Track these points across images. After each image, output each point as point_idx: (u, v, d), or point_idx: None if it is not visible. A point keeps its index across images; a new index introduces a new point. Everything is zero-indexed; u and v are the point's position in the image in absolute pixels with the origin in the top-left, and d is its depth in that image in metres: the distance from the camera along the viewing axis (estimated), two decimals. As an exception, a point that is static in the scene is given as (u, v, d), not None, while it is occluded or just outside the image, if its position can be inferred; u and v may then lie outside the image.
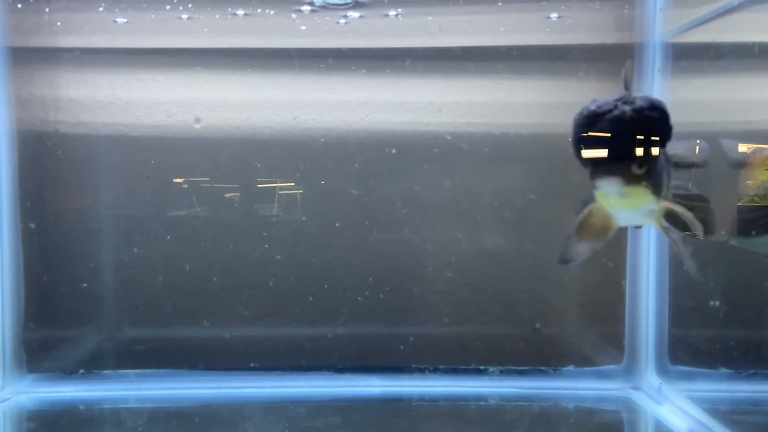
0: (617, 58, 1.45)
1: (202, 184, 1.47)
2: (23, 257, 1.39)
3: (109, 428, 1.20)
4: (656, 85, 1.37)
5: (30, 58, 1.42)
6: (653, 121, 0.72)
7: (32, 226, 1.42)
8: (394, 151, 1.46)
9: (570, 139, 0.82)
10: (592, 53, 1.48)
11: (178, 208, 1.47)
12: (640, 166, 0.71)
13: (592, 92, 1.59)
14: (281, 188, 1.49)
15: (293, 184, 1.49)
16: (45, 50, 1.43)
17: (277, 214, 1.47)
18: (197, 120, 1.44)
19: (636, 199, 0.74)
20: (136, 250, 1.44)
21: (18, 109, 1.41)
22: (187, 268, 1.42)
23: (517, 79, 1.50)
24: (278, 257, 1.45)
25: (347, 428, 1.15)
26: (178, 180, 1.47)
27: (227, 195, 1.48)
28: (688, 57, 1.34)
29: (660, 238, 1.39)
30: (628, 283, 1.41)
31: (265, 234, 1.45)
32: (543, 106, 1.50)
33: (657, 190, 0.74)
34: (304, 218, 1.46)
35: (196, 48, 1.45)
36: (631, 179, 0.71)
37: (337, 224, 1.46)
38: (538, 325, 1.43)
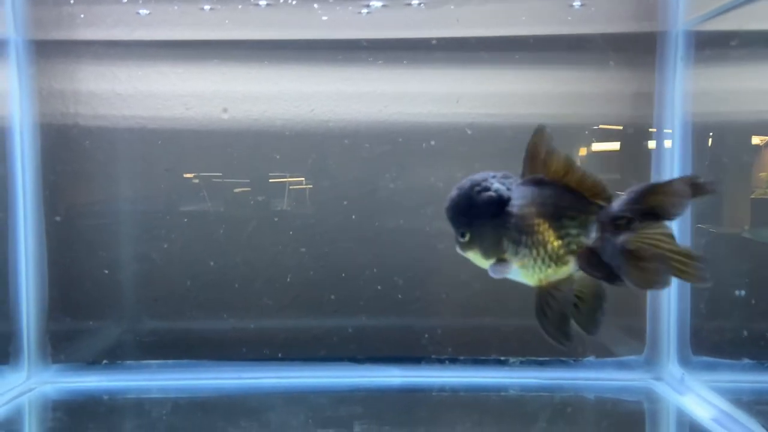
0: (639, 47, 1.44)
1: (221, 177, 1.48)
2: (47, 249, 1.41)
3: (134, 418, 1.21)
4: (678, 74, 1.36)
5: (50, 51, 1.43)
6: (469, 202, 0.87)
7: (57, 219, 1.44)
8: (411, 142, 1.46)
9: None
10: (613, 42, 1.47)
11: (198, 201, 1.48)
12: (463, 235, 0.88)
13: (612, 82, 1.60)
14: (298, 181, 1.49)
15: (310, 176, 1.49)
16: (65, 43, 1.43)
17: (296, 206, 1.48)
18: (225, 110, 1.44)
19: (476, 260, 0.90)
20: (156, 241, 1.45)
21: (39, 103, 1.42)
22: (208, 260, 1.43)
23: (536, 69, 1.49)
24: (298, 249, 1.45)
25: (369, 418, 1.16)
26: (197, 172, 1.48)
27: (246, 188, 1.49)
28: (712, 46, 1.33)
29: (682, 229, 1.38)
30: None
31: (283, 226, 1.46)
32: (561, 97, 1.49)
33: (486, 253, 0.89)
34: (322, 210, 1.47)
35: (217, 40, 1.45)
36: (461, 245, 0.89)
37: (353, 216, 1.46)
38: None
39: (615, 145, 1.51)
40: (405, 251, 1.45)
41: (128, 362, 1.41)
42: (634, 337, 1.41)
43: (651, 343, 1.39)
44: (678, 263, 0.83)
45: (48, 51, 1.42)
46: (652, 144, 1.46)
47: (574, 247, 0.89)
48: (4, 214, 1.36)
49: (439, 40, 1.45)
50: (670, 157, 1.39)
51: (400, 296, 1.44)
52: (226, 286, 1.43)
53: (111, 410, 1.28)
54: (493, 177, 0.89)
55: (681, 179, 0.87)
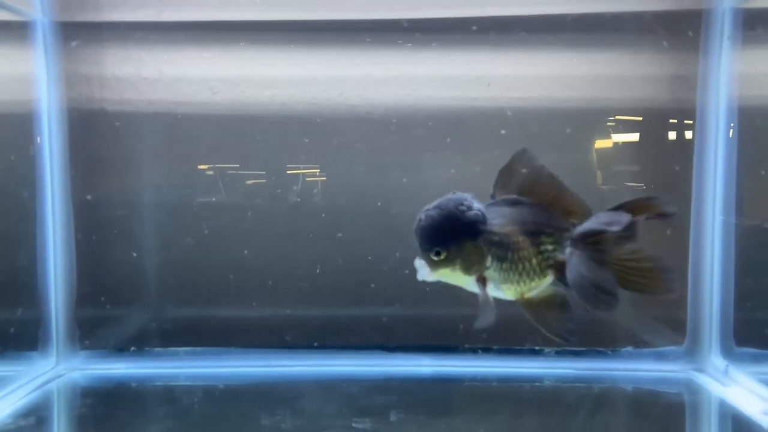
0: (681, 26, 1.39)
1: (249, 163, 1.45)
2: (75, 235, 1.39)
3: (165, 406, 1.19)
4: (724, 55, 1.30)
5: (75, 33, 1.41)
6: (436, 222, 0.91)
7: (88, 197, 1.41)
8: (440, 126, 1.42)
9: None
10: (652, 22, 1.42)
11: (225, 188, 1.45)
12: (438, 254, 0.92)
13: (648, 65, 1.55)
14: (327, 168, 1.46)
15: (339, 162, 1.46)
16: (90, 25, 1.41)
17: (324, 193, 1.45)
18: (273, 96, 1.42)
19: (449, 278, 0.95)
20: (184, 228, 1.43)
21: (65, 87, 1.41)
22: (237, 248, 1.41)
23: (571, 51, 1.44)
24: (327, 236, 1.42)
25: (403, 407, 1.13)
26: (224, 159, 1.45)
27: (274, 175, 1.46)
28: (762, 24, 1.27)
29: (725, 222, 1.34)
30: (690, 261, 1.36)
31: (312, 213, 1.43)
32: (596, 80, 1.44)
33: (467, 270, 0.94)
34: (350, 197, 1.43)
35: (244, 21, 1.42)
36: (433, 264, 0.93)
37: (379, 204, 1.43)
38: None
39: (653, 132, 1.45)
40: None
41: (156, 349, 1.40)
42: (674, 327, 1.36)
43: (692, 333, 1.35)
44: (641, 277, 0.93)
45: (73, 34, 1.40)
46: (689, 132, 1.41)
47: (551, 261, 0.97)
48: (32, 201, 1.35)
49: (470, 20, 1.41)
50: (714, 145, 1.34)
51: (431, 285, 1.40)
52: (257, 274, 1.40)
53: (141, 397, 1.27)
54: (470, 197, 0.95)
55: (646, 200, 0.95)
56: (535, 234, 0.96)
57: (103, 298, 1.41)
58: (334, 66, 1.44)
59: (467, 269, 0.93)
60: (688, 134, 1.39)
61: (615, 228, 0.92)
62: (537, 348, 1.35)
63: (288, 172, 1.45)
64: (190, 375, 1.34)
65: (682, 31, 1.39)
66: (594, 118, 1.44)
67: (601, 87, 1.44)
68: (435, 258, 0.92)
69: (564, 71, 1.45)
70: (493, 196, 1.00)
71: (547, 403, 1.22)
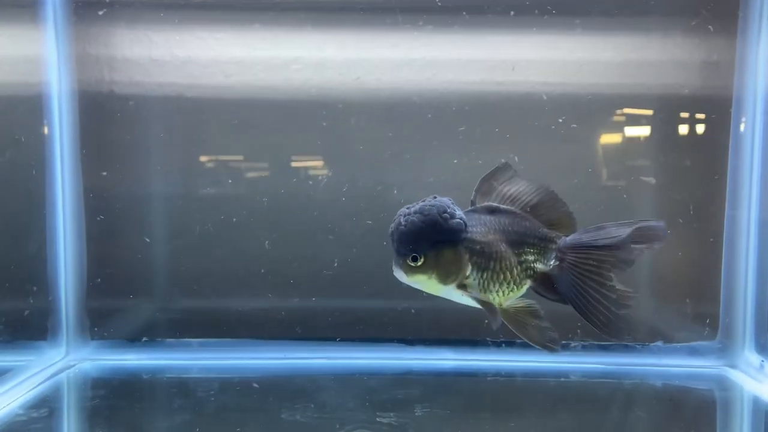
0: (713, 8, 1.33)
1: (262, 149, 1.40)
2: (85, 223, 1.35)
3: (181, 398, 1.14)
4: (764, 38, 1.24)
5: (84, 13, 1.35)
6: (418, 228, 0.90)
7: (98, 183, 1.37)
8: (464, 110, 1.37)
9: None
10: (683, 3, 1.36)
11: (238, 174, 1.41)
12: (415, 260, 0.90)
13: (677, 50, 1.49)
14: (343, 154, 1.41)
15: (355, 148, 1.41)
16: (99, 4, 1.35)
17: (340, 181, 1.40)
18: (288, 79, 1.36)
19: (425, 284, 0.94)
20: (196, 217, 1.38)
21: (75, 69, 1.36)
22: (251, 237, 1.36)
23: (597, 35, 1.39)
24: (344, 225, 1.38)
25: (428, 402, 1.09)
26: (237, 144, 1.40)
27: (288, 160, 1.41)
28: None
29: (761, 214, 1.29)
30: (724, 255, 1.31)
31: (328, 202, 1.38)
32: (623, 65, 1.39)
33: (446, 278, 0.92)
34: (366, 185, 1.39)
35: (258, 1, 1.36)
36: (409, 270, 0.91)
37: (395, 191, 1.38)
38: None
39: (683, 122, 1.39)
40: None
41: (168, 340, 1.36)
42: (706, 322, 1.32)
43: (725, 328, 1.31)
44: (601, 315, 0.94)
45: (82, 14, 1.35)
46: (724, 122, 1.36)
47: (531, 272, 0.97)
48: (42, 186, 1.30)
49: (494, 1, 1.35)
50: (751, 136, 1.29)
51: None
52: (274, 264, 1.36)
53: (154, 389, 1.23)
54: (452, 203, 0.94)
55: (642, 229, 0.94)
56: (517, 244, 0.96)
57: (114, 287, 1.37)
58: (352, 48, 1.39)
59: (444, 278, 0.92)
60: (723, 124, 1.34)
61: (606, 242, 0.93)
62: (563, 342, 1.31)
63: (304, 159, 1.41)
64: (204, 367, 1.31)
65: (717, 13, 1.33)
66: (620, 105, 1.39)
67: (629, 73, 1.39)
68: (412, 264, 0.91)
69: (590, 56, 1.39)
70: (473, 203, 1.00)
71: (573, 399, 1.18)
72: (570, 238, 0.98)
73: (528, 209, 0.99)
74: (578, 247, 0.96)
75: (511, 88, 1.39)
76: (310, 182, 1.40)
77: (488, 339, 1.32)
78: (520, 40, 1.40)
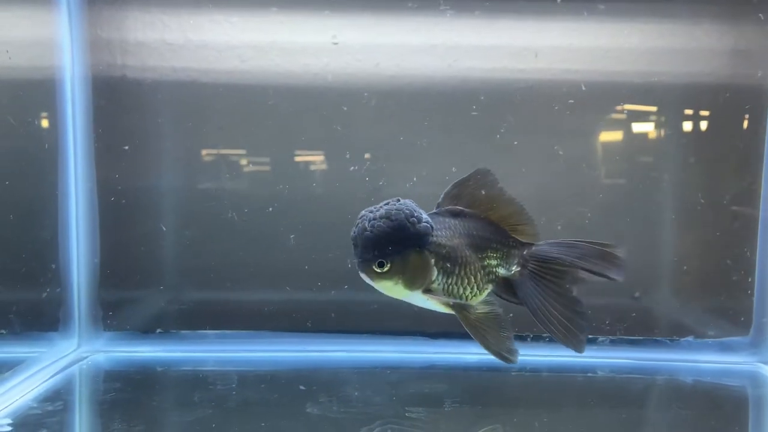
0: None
1: (279, 136, 1.36)
2: (98, 211, 1.31)
3: (198, 392, 1.10)
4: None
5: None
6: (385, 233, 0.89)
7: (111, 170, 1.33)
8: (483, 99, 1.33)
9: None
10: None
11: (254, 161, 1.37)
12: (381, 266, 0.89)
13: (705, 36, 1.45)
14: (362, 141, 1.37)
15: (376, 136, 1.37)
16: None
17: (358, 170, 1.36)
18: (305, 65, 1.32)
19: (391, 290, 0.92)
20: (211, 205, 1.35)
21: (89, 53, 1.31)
22: (268, 227, 1.33)
23: (622, 21, 1.35)
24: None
25: (456, 397, 1.06)
26: (252, 131, 1.36)
27: (306, 148, 1.37)
28: None
29: None
30: (759, 247, 1.28)
31: (343, 189, 1.34)
32: (649, 52, 1.35)
33: (412, 283, 0.91)
34: (389, 173, 1.35)
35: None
36: (375, 275, 0.90)
37: (414, 179, 1.34)
38: (637, 294, 1.31)
39: (713, 111, 1.35)
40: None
41: (183, 332, 1.32)
42: (738, 317, 1.29)
43: (758, 323, 1.28)
44: (560, 324, 0.95)
45: (96, -6, 1.31)
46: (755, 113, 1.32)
47: (493, 276, 0.98)
48: (54, 172, 1.26)
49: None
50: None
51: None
52: (292, 255, 1.32)
53: (171, 383, 1.20)
54: (416, 206, 0.93)
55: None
56: (480, 248, 0.97)
57: (127, 277, 1.33)
58: (371, 33, 1.35)
59: (411, 283, 0.91)
60: (755, 114, 1.30)
61: (571, 260, 0.95)
62: (591, 336, 1.28)
63: (322, 147, 1.37)
64: (220, 359, 1.27)
65: (742, 1, 1.30)
66: (646, 94, 1.35)
67: (654, 60, 1.35)
68: (378, 270, 0.89)
69: (615, 42, 1.35)
70: (439, 205, 1.00)
71: (600, 395, 1.14)
72: (536, 248, 0.99)
73: (492, 214, 0.99)
74: (544, 259, 0.98)
75: (534, 75, 1.36)
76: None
77: (515, 333, 1.28)
78: (543, 25, 1.36)
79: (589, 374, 1.21)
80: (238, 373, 1.19)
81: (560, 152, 1.36)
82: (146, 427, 0.94)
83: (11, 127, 1.19)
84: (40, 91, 1.26)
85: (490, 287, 0.99)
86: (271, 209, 1.33)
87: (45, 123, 1.26)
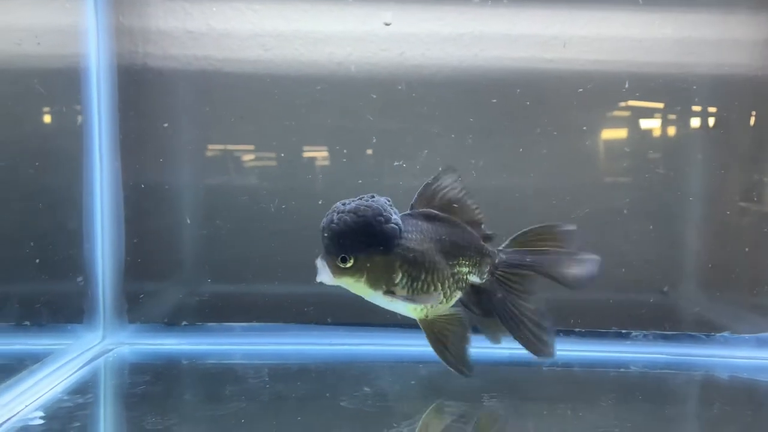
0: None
1: (302, 126, 1.34)
2: (123, 201, 1.29)
3: (229, 385, 1.07)
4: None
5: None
6: (350, 228, 0.87)
7: (134, 159, 1.31)
8: (511, 89, 1.30)
9: None
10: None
11: (278, 152, 1.35)
12: (344, 261, 0.88)
13: (740, 27, 1.42)
14: (386, 132, 1.35)
15: (401, 126, 1.35)
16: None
17: (382, 159, 1.34)
18: (329, 54, 1.29)
19: (353, 287, 0.91)
20: (237, 195, 1.33)
21: (115, 41, 1.29)
22: (295, 218, 1.30)
23: (654, 10, 1.32)
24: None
25: (494, 391, 1.03)
26: (275, 121, 1.34)
27: (330, 139, 1.35)
28: None
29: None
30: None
31: (363, 183, 1.32)
32: (683, 43, 1.32)
33: (375, 283, 0.90)
34: (415, 166, 1.32)
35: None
36: (337, 270, 0.89)
37: (440, 168, 1.31)
38: (665, 288, 1.29)
39: (745, 104, 1.32)
40: (505, 212, 1.32)
41: (209, 324, 1.31)
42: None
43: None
44: (528, 332, 0.96)
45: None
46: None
47: (462, 284, 0.96)
48: (79, 164, 1.24)
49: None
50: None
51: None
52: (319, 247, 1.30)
53: (199, 376, 1.17)
54: (389, 205, 0.91)
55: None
56: (452, 255, 0.94)
57: (152, 269, 1.32)
58: (396, 22, 1.32)
59: (373, 283, 0.89)
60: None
61: (543, 268, 0.95)
62: (624, 331, 1.26)
63: (343, 140, 1.35)
64: (248, 352, 1.26)
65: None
66: (678, 85, 1.32)
67: (687, 51, 1.32)
68: (341, 265, 0.88)
69: (646, 32, 1.33)
70: (412, 207, 0.98)
71: (633, 391, 1.12)
72: (506, 256, 0.99)
73: (466, 219, 0.98)
74: (514, 266, 0.97)
75: (562, 65, 1.33)
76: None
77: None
78: (572, 15, 1.33)
79: (622, 369, 1.19)
80: (267, 366, 1.16)
81: (588, 144, 1.34)
82: (180, 421, 0.92)
83: (39, 115, 1.18)
84: (67, 80, 1.24)
85: (458, 294, 0.97)
86: (297, 200, 1.31)
87: (71, 111, 1.25)
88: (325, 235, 0.88)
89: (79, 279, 1.25)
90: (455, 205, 0.97)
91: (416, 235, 0.91)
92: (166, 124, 1.32)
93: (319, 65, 1.33)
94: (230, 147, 1.35)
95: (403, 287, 0.90)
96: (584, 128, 1.34)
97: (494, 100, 1.32)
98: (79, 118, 1.25)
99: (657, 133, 1.36)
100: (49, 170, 1.17)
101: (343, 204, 0.90)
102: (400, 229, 0.89)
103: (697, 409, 1.10)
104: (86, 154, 1.25)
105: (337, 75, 1.33)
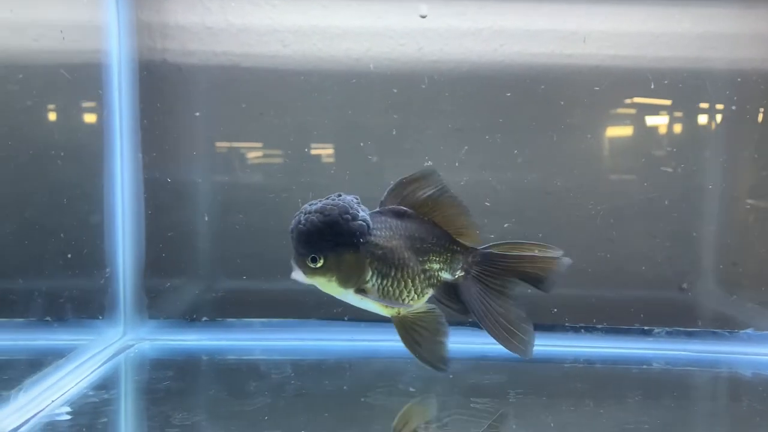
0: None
1: (320, 122, 1.34)
2: (144, 198, 1.29)
3: (252, 381, 1.07)
4: None
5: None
6: (317, 228, 0.87)
7: (154, 155, 1.31)
8: (532, 84, 1.30)
9: None
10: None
11: (297, 147, 1.34)
12: (314, 261, 0.88)
13: (760, 21, 1.41)
14: (403, 129, 1.34)
15: (418, 123, 1.34)
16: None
17: (400, 155, 1.34)
18: (347, 49, 1.29)
19: (324, 286, 0.91)
20: (258, 190, 1.33)
21: (136, 37, 1.29)
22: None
23: (673, 4, 1.32)
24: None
25: (520, 387, 1.03)
26: (294, 117, 1.34)
27: (348, 135, 1.35)
28: None
29: None
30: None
31: (381, 178, 1.32)
32: (701, 37, 1.32)
33: (345, 282, 0.90)
34: (431, 162, 1.32)
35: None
36: (308, 270, 0.89)
37: (457, 165, 1.31)
38: (685, 285, 1.29)
39: (762, 102, 1.31)
40: (528, 210, 1.31)
41: (229, 320, 1.31)
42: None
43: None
44: (503, 331, 0.95)
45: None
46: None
47: (434, 281, 0.96)
48: (100, 160, 1.24)
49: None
50: None
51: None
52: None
53: (224, 371, 1.18)
54: (357, 203, 0.91)
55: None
56: (422, 251, 0.95)
57: (172, 265, 1.32)
58: (414, 17, 1.32)
59: (344, 281, 0.90)
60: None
61: (517, 265, 0.95)
62: (646, 328, 1.26)
63: (361, 136, 1.34)
64: (267, 348, 1.26)
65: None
66: (697, 80, 1.32)
67: (706, 46, 1.31)
68: (311, 265, 0.88)
69: (665, 27, 1.32)
70: (382, 204, 0.97)
71: (654, 388, 1.11)
72: (481, 253, 0.98)
73: (437, 216, 0.97)
74: (488, 264, 0.96)
75: (583, 60, 1.33)
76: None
77: (567, 324, 1.27)
78: (591, 9, 1.32)
79: (644, 366, 1.18)
80: (289, 362, 1.16)
81: (608, 140, 1.33)
82: (208, 417, 0.93)
83: (63, 110, 1.18)
84: (90, 75, 1.23)
85: (431, 291, 0.97)
86: (317, 195, 1.30)
87: (94, 107, 1.25)
88: (294, 236, 0.89)
89: (107, 270, 1.25)
90: (431, 204, 0.97)
91: (385, 232, 0.92)
92: (197, 113, 1.32)
93: (336, 61, 1.33)
94: (250, 143, 1.35)
95: (374, 285, 0.91)
96: (603, 124, 1.33)
97: (513, 95, 1.31)
98: (102, 114, 1.24)
99: (677, 128, 1.35)
100: (71, 165, 1.17)
101: (310, 205, 0.90)
102: (369, 226, 0.89)
103: (723, 406, 1.09)
104: (108, 150, 1.25)
105: (354, 71, 1.32)
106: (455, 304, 0.99)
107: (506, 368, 1.15)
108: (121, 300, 1.28)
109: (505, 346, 0.96)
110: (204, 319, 1.31)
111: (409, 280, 0.93)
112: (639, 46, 1.32)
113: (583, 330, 1.24)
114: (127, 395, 1.04)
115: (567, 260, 0.96)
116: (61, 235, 1.15)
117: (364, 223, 0.89)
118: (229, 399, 1.01)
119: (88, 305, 1.23)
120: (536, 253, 0.97)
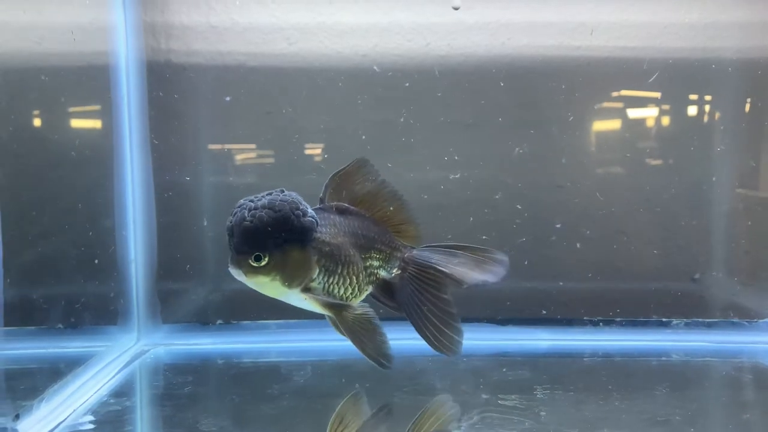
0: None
1: (328, 119, 1.33)
2: (155, 203, 1.28)
3: (276, 383, 1.06)
4: None
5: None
6: (266, 225, 0.83)
7: (165, 156, 1.30)
8: (540, 77, 1.29)
9: None
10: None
11: (304, 146, 1.33)
12: (258, 260, 0.84)
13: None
14: (411, 125, 1.33)
15: (426, 119, 1.33)
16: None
17: (410, 153, 1.32)
18: (354, 46, 1.28)
19: (266, 287, 0.88)
20: (264, 190, 1.31)
21: (142, 37, 1.27)
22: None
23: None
24: (417, 204, 1.31)
25: (546, 383, 1.02)
26: (301, 115, 1.32)
27: (356, 133, 1.33)
28: None
29: None
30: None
31: (404, 173, 1.30)
32: (710, 28, 1.31)
33: (291, 281, 0.87)
34: (445, 158, 1.31)
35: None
36: (250, 270, 0.85)
37: (467, 159, 1.31)
38: (697, 276, 1.29)
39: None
40: (540, 206, 1.31)
41: (244, 323, 1.30)
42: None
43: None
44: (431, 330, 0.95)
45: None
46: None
47: (373, 278, 0.96)
48: (110, 164, 1.23)
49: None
50: None
51: (541, 255, 1.29)
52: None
53: (243, 375, 1.15)
54: (300, 199, 0.88)
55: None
56: (364, 248, 0.94)
57: (184, 268, 1.30)
58: (421, 12, 1.31)
59: (289, 280, 0.86)
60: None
61: (449, 269, 0.95)
62: (664, 320, 1.26)
63: (370, 134, 1.33)
64: (283, 350, 1.25)
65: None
66: (707, 71, 1.31)
67: (715, 36, 1.31)
68: (254, 264, 0.83)
69: (674, 17, 1.32)
70: (322, 201, 0.96)
71: (673, 380, 1.10)
72: (417, 252, 0.98)
73: (377, 212, 0.97)
74: (423, 264, 0.96)
75: (590, 53, 1.32)
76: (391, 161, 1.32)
77: (585, 318, 1.26)
78: (599, 1, 1.32)
79: (663, 358, 1.18)
80: (306, 364, 1.16)
81: (618, 131, 1.33)
82: (235, 421, 0.92)
83: (72, 114, 1.15)
84: (98, 78, 1.21)
85: (369, 288, 0.96)
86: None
87: (102, 110, 1.23)
88: (237, 233, 0.84)
89: (116, 282, 1.23)
90: (371, 200, 0.96)
91: (330, 229, 0.90)
92: (228, 98, 1.30)
93: (344, 58, 1.31)
94: (257, 142, 1.34)
95: (320, 283, 0.89)
96: (612, 116, 1.33)
97: (521, 89, 1.30)
98: (111, 117, 1.22)
99: (689, 119, 1.35)
100: (83, 171, 1.15)
101: (251, 200, 0.86)
102: (317, 223, 0.87)
103: (739, 396, 1.08)
104: (118, 154, 1.24)
105: (362, 67, 1.31)
106: (390, 301, 0.98)
107: (527, 364, 1.15)
108: (135, 305, 1.27)
109: (432, 347, 0.96)
110: (219, 322, 1.30)
111: (354, 278, 0.92)
112: (648, 37, 1.32)
113: (601, 323, 1.24)
114: (150, 402, 1.03)
115: (503, 268, 0.97)
116: (75, 241, 1.13)
117: (314, 220, 0.87)
118: (254, 403, 1.00)
119: (102, 312, 1.21)
120: (473, 255, 0.97)
